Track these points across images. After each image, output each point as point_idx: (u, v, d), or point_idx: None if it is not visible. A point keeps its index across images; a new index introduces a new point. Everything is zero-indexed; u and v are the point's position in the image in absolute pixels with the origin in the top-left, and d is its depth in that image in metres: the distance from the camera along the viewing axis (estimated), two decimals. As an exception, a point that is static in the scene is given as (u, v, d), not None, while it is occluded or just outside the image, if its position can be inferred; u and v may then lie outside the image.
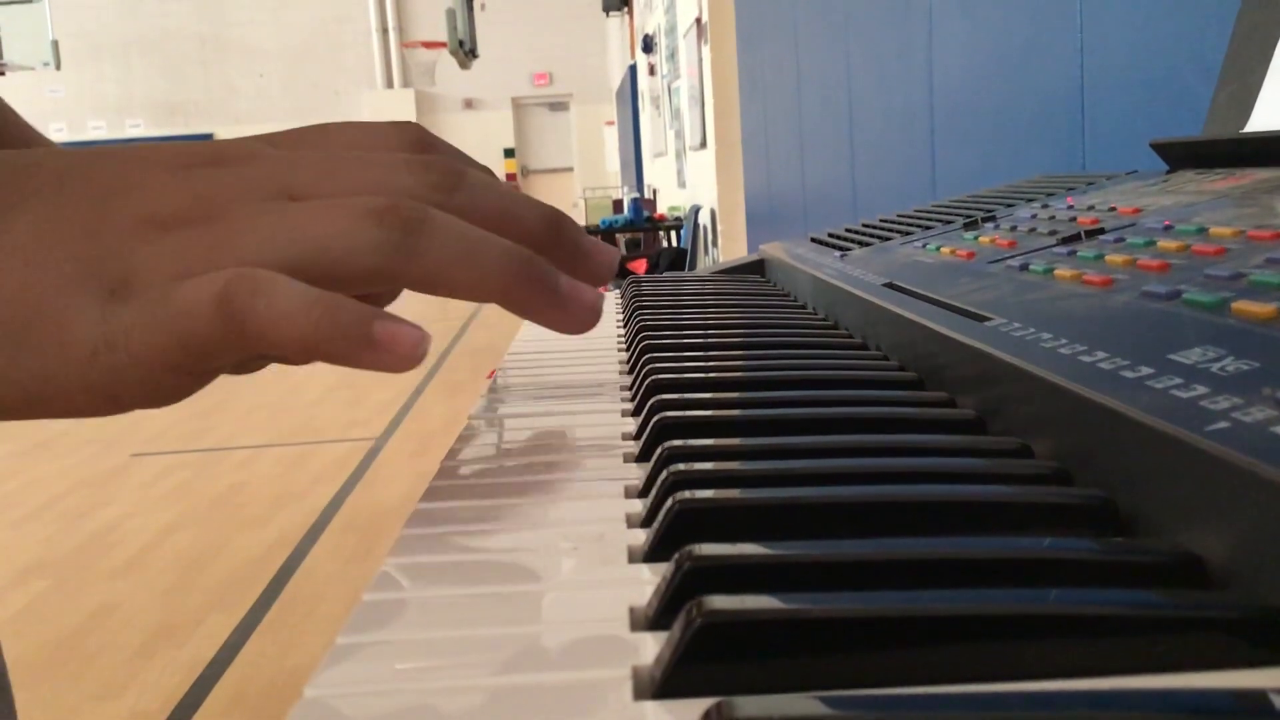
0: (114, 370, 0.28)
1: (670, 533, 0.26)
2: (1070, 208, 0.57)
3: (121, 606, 2.57)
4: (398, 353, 0.28)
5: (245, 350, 0.28)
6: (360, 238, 0.29)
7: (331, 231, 0.29)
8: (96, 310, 0.27)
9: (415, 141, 0.35)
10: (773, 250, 0.85)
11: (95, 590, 2.69)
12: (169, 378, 0.28)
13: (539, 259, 0.32)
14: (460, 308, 7.78)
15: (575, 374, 0.53)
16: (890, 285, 0.52)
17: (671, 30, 7.55)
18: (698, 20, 6.01)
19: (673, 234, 7.43)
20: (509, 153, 16.58)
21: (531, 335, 0.63)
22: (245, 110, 15.94)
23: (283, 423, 4.54)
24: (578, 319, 0.33)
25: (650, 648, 0.21)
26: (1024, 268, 0.45)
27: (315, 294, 0.28)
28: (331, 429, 4.36)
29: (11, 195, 0.29)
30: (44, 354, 0.27)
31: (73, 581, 2.77)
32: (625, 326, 0.64)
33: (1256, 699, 0.17)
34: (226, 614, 2.46)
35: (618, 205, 9.16)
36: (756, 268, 0.88)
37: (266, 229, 0.29)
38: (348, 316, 0.28)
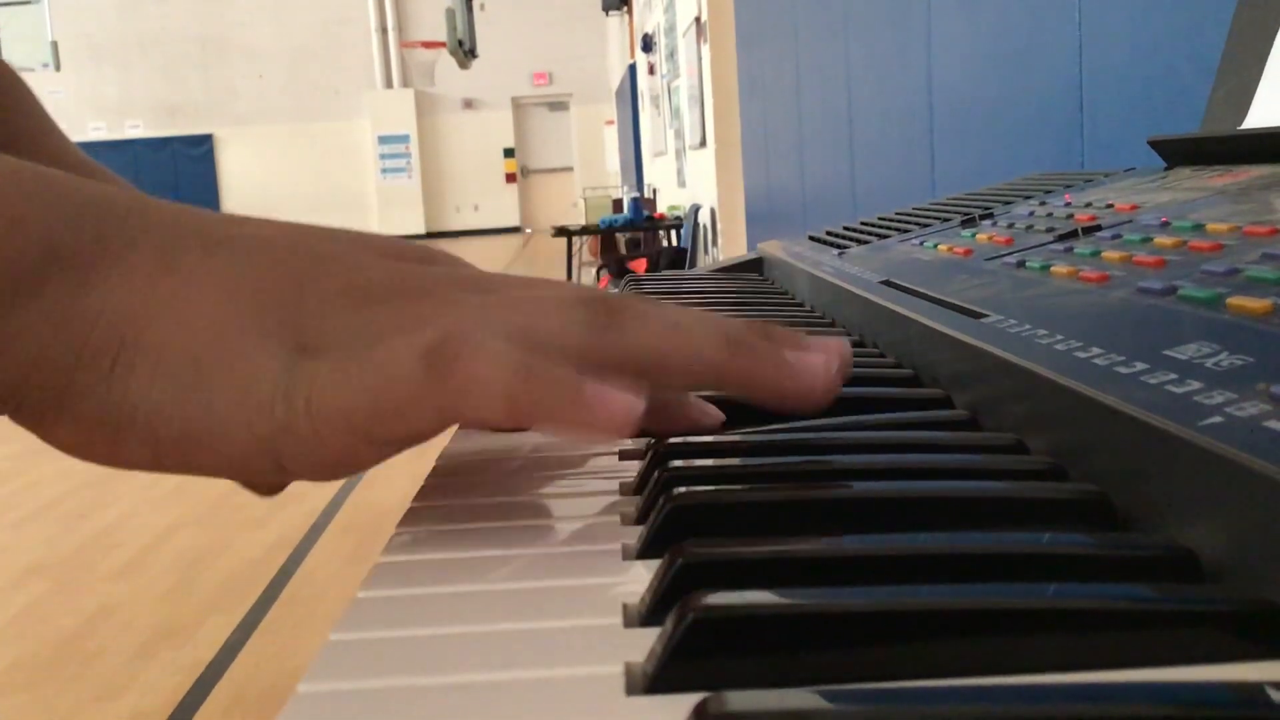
0: (287, 425, 0.26)
1: (664, 529, 0.26)
2: (1068, 205, 0.57)
3: (121, 607, 2.57)
4: (608, 414, 0.26)
5: (443, 412, 0.26)
6: (569, 319, 0.28)
7: (540, 313, 0.28)
8: (284, 362, 0.26)
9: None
10: (771, 249, 0.84)
11: (95, 591, 2.69)
12: (345, 442, 0.27)
13: (753, 336, 0.30)
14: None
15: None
16: (887, 283, 0.52)
17: (671, 29, 7.55)
18: (697, 19, 6.01)
19: (673, 233, 7.43)
20: (508, 153, 16.59)
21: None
22: (245, 111, 15.96)
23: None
24: (811, 385, 0.30)
25: (643, 644, 0.21)
26: (1021, 265, 0.45)
27: (525, 353, 0.26)
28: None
29: (217, 234, 0.28)
30: (219, 392, 0.26)
31: (73, 582, 2.77)
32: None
33: (1252, 692, 0.17)
34: (226, 615, 2.46)
35: (617, 205, 9.16)
36: (755, 266, 0.88)
37: (472, 306, 0.28)
38: (560, 374, 0.26)
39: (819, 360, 0.30)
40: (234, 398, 0.26)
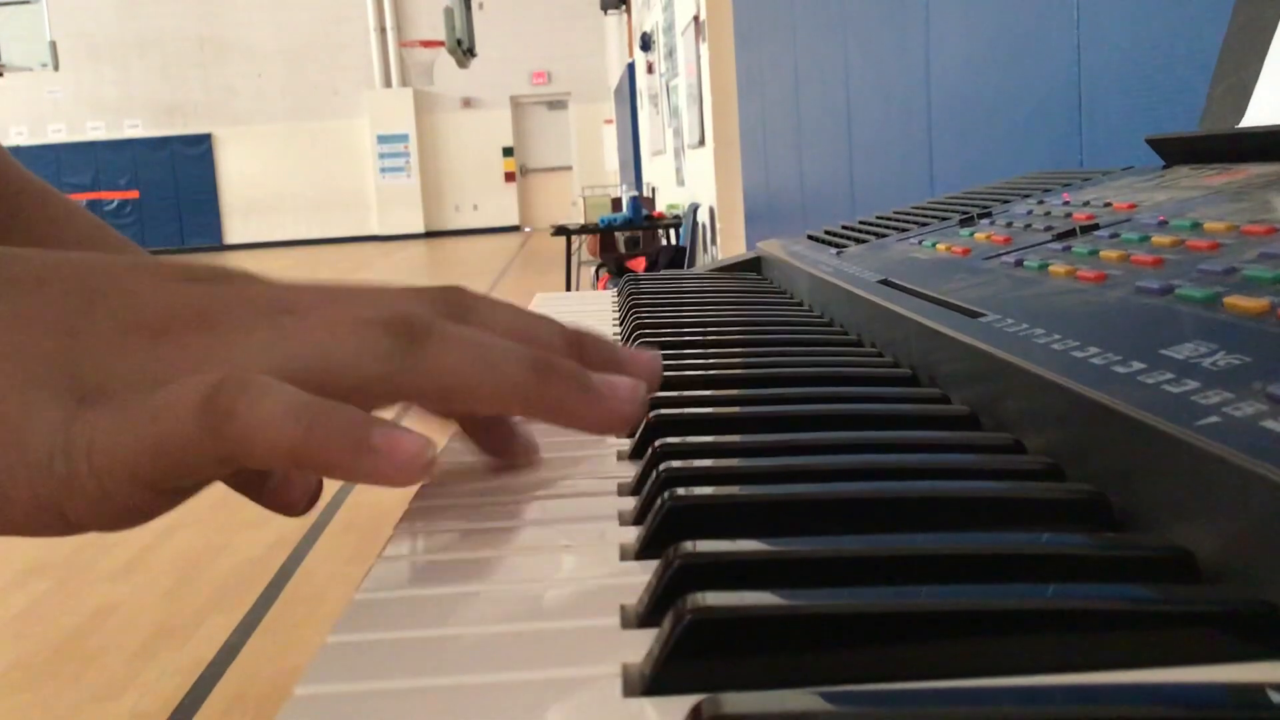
0: (68, 482, 0.24)
1: (661, 530, 0.26)
2: (1066, 204, 0.57)
3: (121, 607, 2.57)
4: (398, 461, 0.25)
5: (224, 462, 0.25)
6: (364, 345, 0.27)
7: (333, 339, 0.27)
8: (61, 412, 0.25)
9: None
10: (769, 248, 0.84)
11: (95, 591, 2.69)
12: (131, 494, 0.25)
13: (560, 359, 0.29)
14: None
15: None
16: (885, 282, 0.52)
17: (669, 28, 7.55)
18: (695, 18, 6.00)
19: (671, 232, 7.43)
20: (507, 151, 16.58)
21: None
22: (244, 110, 15.95)
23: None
24: (615, 412, 0.29)
25: (641, 645, 0.21)
26: (1018, 264, 0.45)
27: (309, 397, 0.25)
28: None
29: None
30: None
31: (73, 582, 2.77)
32: (621, 324, 0.64)
33: (1253, 693, 0.17)
34: (226, 615, 2.46)
35: (616, 204, 9.16)
36: (753, 265, 0.88)
37: (262, 338, 0.27)
38: (343, 420, 0.25)
39: (626, 387, 0.30)
40: (10, 458, 0.24)
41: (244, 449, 0.25)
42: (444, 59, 13.81)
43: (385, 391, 0.27)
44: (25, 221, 0.51)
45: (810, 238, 0.80)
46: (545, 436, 0.40)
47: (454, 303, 0.30)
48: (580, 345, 0.31)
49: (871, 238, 0.70)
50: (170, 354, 0.26)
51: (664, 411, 0.36)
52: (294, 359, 0.26)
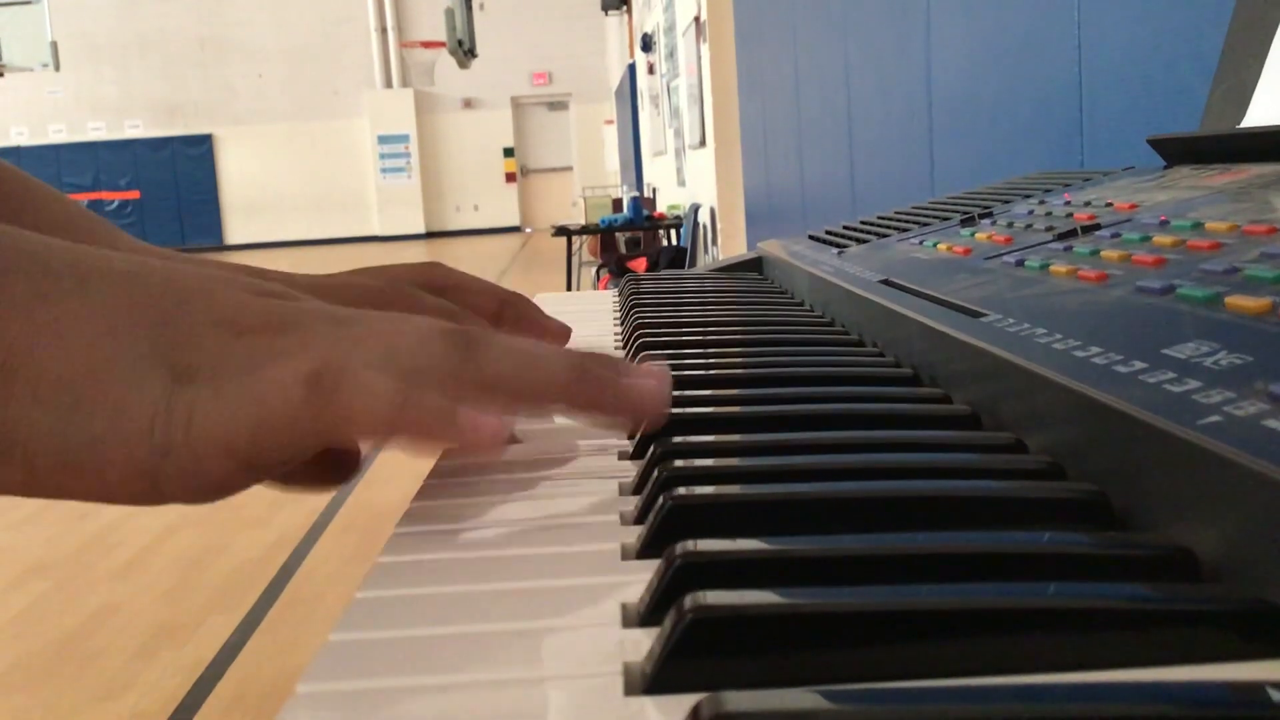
0: (166, 450, 0.26)
1: (662, 529, 0.26)
2: (1067, 204, 0.57)
3: (122, 607, 2.57)
4: (480, 436, 0.29)
5: (322, 437, 0.28)
6: (429, 347, 0.30)
7: (402, 341, 0.30)
8: (161, 387, 0.27)
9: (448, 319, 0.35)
10: (770, 248, 0.84)
11: (96, 591, 2.69)
12: (221, 467, 0.27)
13: (593, 361, 0.32)
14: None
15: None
16: (887, 282, 0.52)
17: (670, 29, 7.55)
18: (696, 19, 6.00)
19: (672, 233, 7.43)
20: (508, 152, 16.59)
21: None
22: (244, 111, 15.95)
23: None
24: (642, 412, 0.33)
25: (642, 644, 0.21)
26: (1020, 264, 0.45)
27: (401, 379, 0.28)
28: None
29: (88, 265, 0.28)
30: (97, 418, 0.26)
31: (73, 583, 2.77)
32: (622, 325, 0.64)
33: (1253, 692, 0.17)
34: (227, 614, 2.46)
35: (617, 204, 9.15)
36: (754, 265, 0.88)
37: (337, 336, 0.29)
38: (434, 400, 0.28)
39: (652, 385, 0.33)
40: (112, 424, 0.26)
41: (346, 425, 0.28)
42: (445, 59, 13.82)
43: (451, 387, 0.30)
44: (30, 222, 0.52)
45: (811, 238, 0.80)
46: (546, 436, 0.40)
47: (480, 339, 0.32)
48: (606, 361, 0.34)
49: (873, 238, 0.70)
50: (264, 346, 0.29)
51: (665, 411, 0.36)
52: (376, 355, 0.29)
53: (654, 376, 0.33)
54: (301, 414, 0.27)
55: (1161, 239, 0.41)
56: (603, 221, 7.43)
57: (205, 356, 0.28)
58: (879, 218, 0.79)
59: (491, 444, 0.29)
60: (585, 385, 0.31)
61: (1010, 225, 0.56)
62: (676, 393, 0.40)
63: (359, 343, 0.29)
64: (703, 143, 6.33)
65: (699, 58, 6.04)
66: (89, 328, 0.27)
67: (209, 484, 0.27)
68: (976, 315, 0.39)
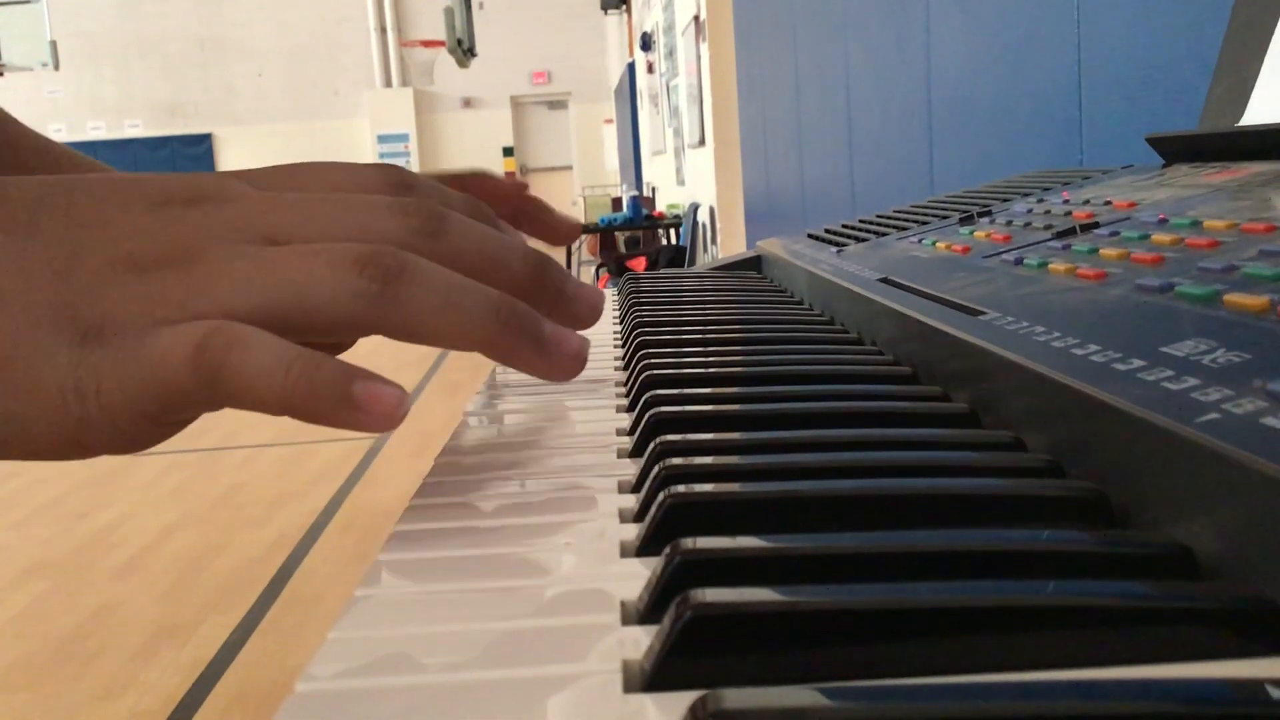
0: (83, 418, 0.27)
1: (662, 527, 0.26)
2: (1066, 202, 0.57)
3: (122, 607, 2.57)
4: (377, 413, 0.28)
5: (217, 404, 0.28)
6: (340, 286, 0.29)
7: (310, 279, 0.29)
8: (68, 355, 0.27)
9: (397, 184, 0.34)
10: (770, 247, 0.85)
11: (96, 591, 2.69)
12: (138, 426, 0.28)
13: (521, 306, 0.32)
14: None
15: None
16: (885, 280, 0.52)
17: (670, 28, 7.55)
18: (696, 18, 6.00)
19: (672, 232, 7.43)
20: (508, 151, 16.58)
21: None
22: (244, 110, 15.94)
23: (282, 422, 4.49)
24: (562, 367, 0.33)
25: (641, 641, 0.21)
26: (1018, 262, 0.45)
27: (294, 351, 0.27)
28: (331, 429, 4.35)
29: None
30: (12, 396, 0.27)
31: (73, 582, 2.77)
32: (621, 323, 0.64)
33: (1253, 690, 0.17)
34: (226, 614, 2.46)
35: (617, 203, 9.15)
36: (754, 264, 0.88)
37: (243, 273, 0.29)
38: (326, 375, 0.28)
39: (573, 344, 0.33)
40: (29, 399, 0.27)
41: (234, 398, 0.27)
42: (444, 59, 13.82)
43: (358, 328, 0.30)
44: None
45: (810, 236, 0.80)
46: (547, 436, 0.40)
47: (430, 218, 0.32)
48: (541, 271, 0.34)
49: (872, 236, 0.70)
50: (158, 291, 0.28)
51: (664, 409, 0.36)
52: (272, 296, 0.28)
53: (574, 342, 0.33)
54: (191, 386, 0.27)
55: (1160, 237, 0.41)
56: (602, 220, 7.43)
57: (107, 307, 0.28)
58: (878, 216, 0.79)
59: (389, 419, 0.28)
60: (506, 338, 0.31)
61: (1009, 224, 0.56)
62: (677, 390, 0.40)
63: (262, 277, 0.28)
64: (702, 142, 6.33)
65: (698, 57, 6.04)
66: None
67: (132, 438, 0.28)
68: (975, 313, 0.39)
